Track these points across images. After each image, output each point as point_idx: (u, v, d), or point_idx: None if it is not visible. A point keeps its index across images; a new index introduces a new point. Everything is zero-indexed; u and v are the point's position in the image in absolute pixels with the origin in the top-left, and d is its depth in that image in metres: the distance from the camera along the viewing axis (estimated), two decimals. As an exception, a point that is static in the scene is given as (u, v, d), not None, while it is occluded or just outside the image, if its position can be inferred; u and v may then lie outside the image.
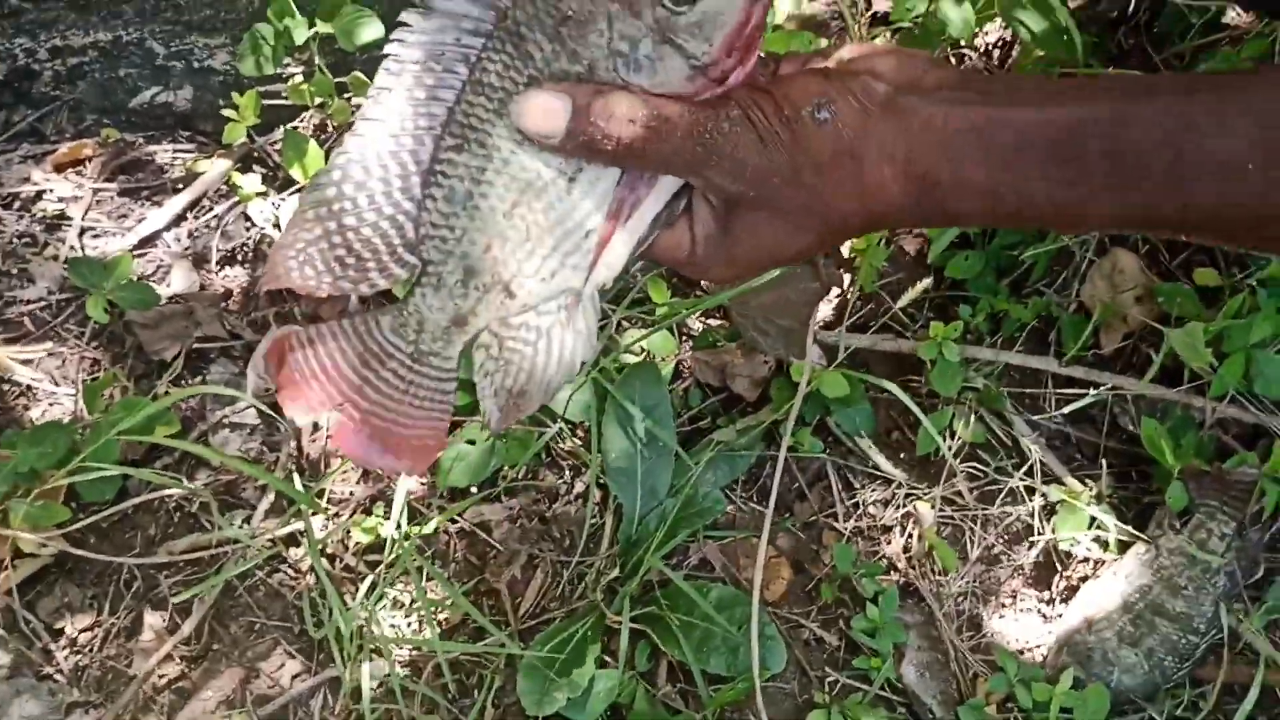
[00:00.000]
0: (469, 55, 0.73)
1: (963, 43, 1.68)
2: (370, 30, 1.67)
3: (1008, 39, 1.74)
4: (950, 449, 1.54)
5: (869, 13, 1.77)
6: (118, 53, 1.77)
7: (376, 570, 1.51)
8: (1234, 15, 1.64)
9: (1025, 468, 1.54)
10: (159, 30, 1.75)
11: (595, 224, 0.76)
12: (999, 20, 1.70)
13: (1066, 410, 1.53)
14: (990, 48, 1.74)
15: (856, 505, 1.57)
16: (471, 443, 1.56)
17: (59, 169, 1.80)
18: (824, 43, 1.60)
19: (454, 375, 0.83)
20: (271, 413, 1.59)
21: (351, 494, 1.59)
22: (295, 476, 1.56)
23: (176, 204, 1.78)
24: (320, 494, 1.58)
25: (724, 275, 0.80)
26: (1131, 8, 1.69)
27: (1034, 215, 0.72)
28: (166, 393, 1.67)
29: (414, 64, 0.73)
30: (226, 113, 1.72)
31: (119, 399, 1.58)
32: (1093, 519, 1.50)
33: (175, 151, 1.83)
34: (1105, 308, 1.52)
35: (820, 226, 0.75)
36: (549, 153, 0.75)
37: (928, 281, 1.40)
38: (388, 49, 0.72)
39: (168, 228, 1.78)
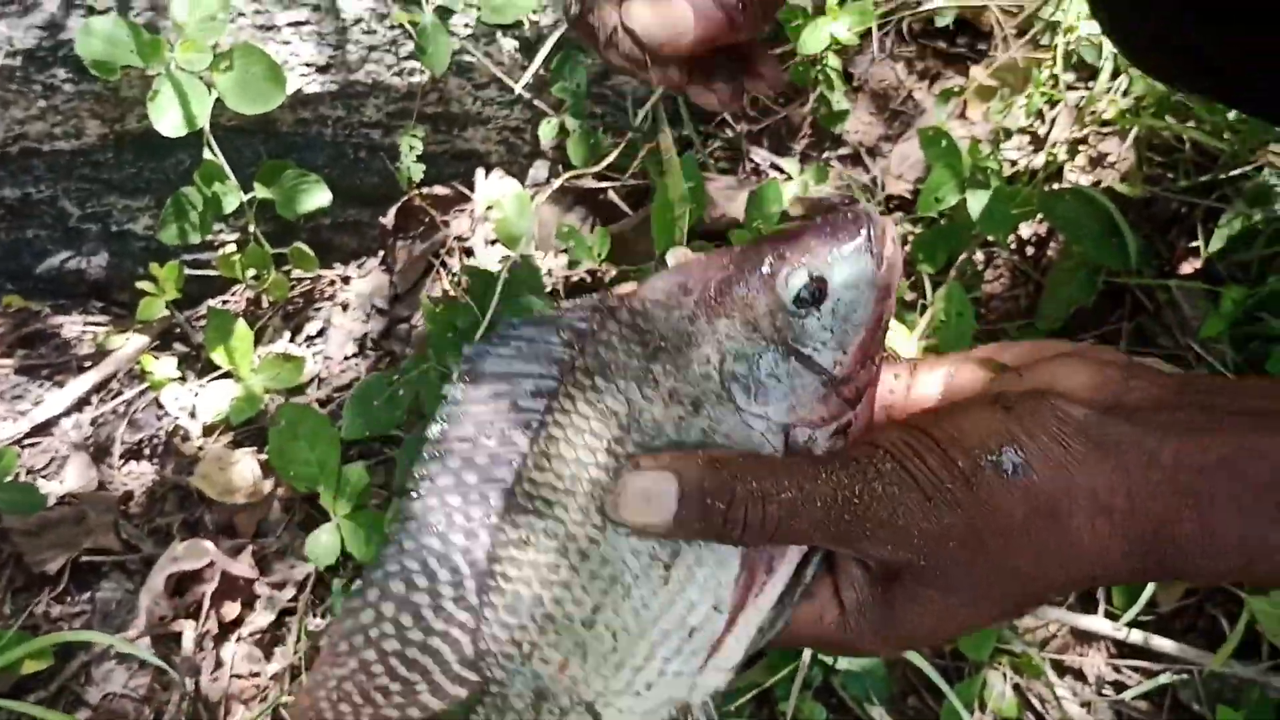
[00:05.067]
0: (530, 421, 0.60)
1: (993, 240, 1.46)
2: (315, 198, 1.46)
3: (1043, 234, 1.53)
4: (981, 726, 1.27)
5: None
6: (26, 211, 1.54)
7: None
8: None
9: (1072, 754, 1.28)
10: (74, 188, 1.53)
11: (701, 618, 0.60)
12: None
13: (1128, 696, 1.27)
14: (1024, 244, 1.52)
15: (866, 788, 1.30)
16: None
17: (-51, 341, 1.56)
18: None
19: None
20: (163, 644, 1.33)
21: (256, 753, 1.31)
22: (182, 736, 1.28)
23: (80, 385, 1.53)
24: (217, 751, 1.30)
25: (874, 650, 0.64)
26: (1186, 209, 1.48)
27: None
28: (46, 611, 1.40)
29: (461, 441, 0.60)
30: (143, 285, 1.49)
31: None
32: (1154, 823, 1.23)
33: (85, 324, 1.59)
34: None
35: (1008, 599, 0.59)
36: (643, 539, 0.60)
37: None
38: (430, 430, 0.61)
39: (67, 413, 1.53)
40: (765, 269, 0.60)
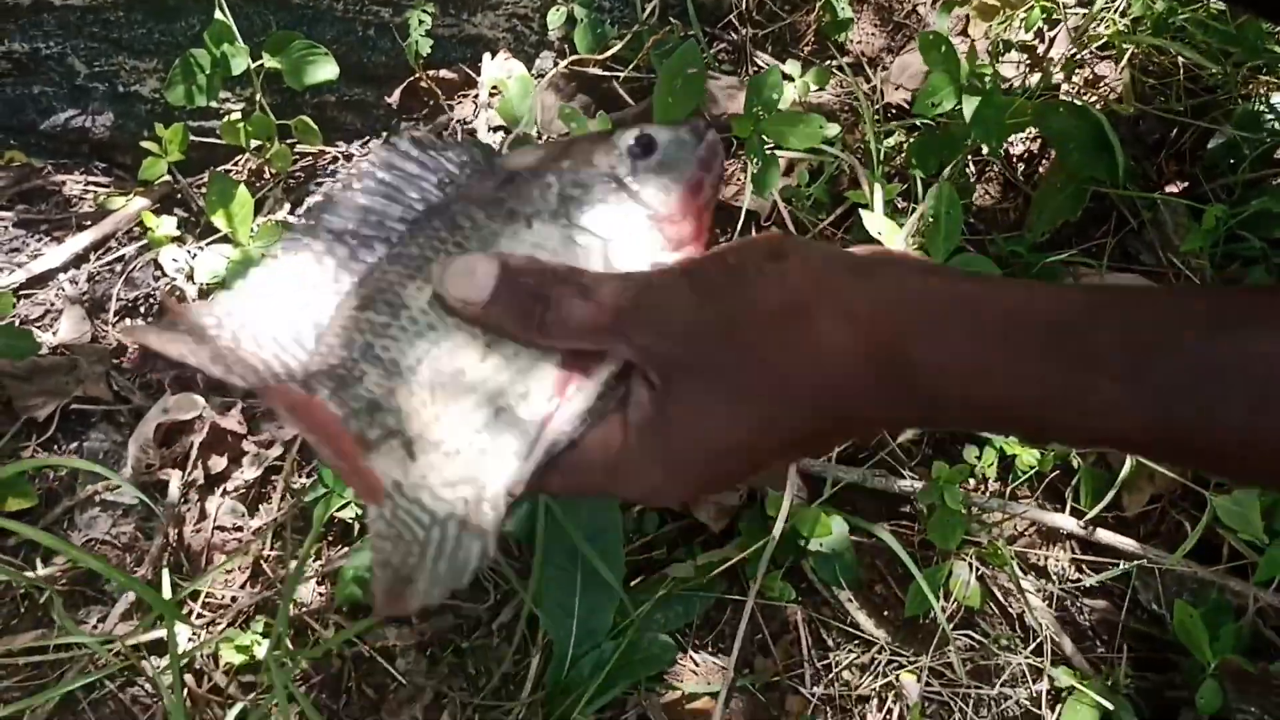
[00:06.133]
0: (390, 238, 0.69)
1: (986, 150, 1.49)
2: (323, 70, 1.47)
3: (1035, 151, 1.56)
4: (944, 612, 1.30)
5: (882, 104, 1.59)
6: (34, 67, 1.55)
7: (251, 695, 1.26)
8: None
9: (1030, 644, 1.31)
10: (83, 46, 1.54)
11: (507, 403, 0.67)
12: (1026, 130, 1.52)
13: (1087, 584, 1.31)
14: (1016, 160, 1.55)
15: (828, 668, 1.33)
16: (382, 551, 1.31)
17: (-51, 190, 1.58)
18: (835, 129, 1.40)
19: None
20: (148, 494, 1.35)
21: (234, 600, 1.33)
22: (165, 574, 1.30)
23: (79, 242, 1.55)
24: (195, 595, 1.32)
25: (660, 486, 0.67)
26: (1175, 132, 1.51)
27: (1025, 408, 0.60)
28: (33, 457, 1.42)
29: (330, 234, 0.69)
30: (147, 145, 1.50)
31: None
32: (1106, 711, 1.26)
33: (87, 184, 1.60)
34: (1133, 464, 1.31)
35: (765, 404, 0.63)
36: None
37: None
38: (308, 202, 0.63)
39: (64, 268, 1.54)
40: (607, 136, 0.71)
